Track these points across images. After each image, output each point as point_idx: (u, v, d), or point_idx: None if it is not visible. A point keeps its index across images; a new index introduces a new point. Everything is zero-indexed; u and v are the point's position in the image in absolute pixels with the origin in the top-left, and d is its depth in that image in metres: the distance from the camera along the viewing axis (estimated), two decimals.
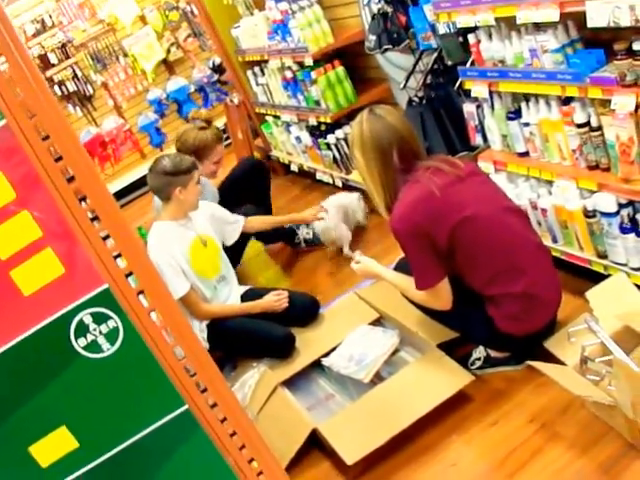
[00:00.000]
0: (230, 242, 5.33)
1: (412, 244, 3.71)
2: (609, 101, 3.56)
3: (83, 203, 1.86)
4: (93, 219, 1.87)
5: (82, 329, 1.90)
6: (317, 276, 5.89)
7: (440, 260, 3.70)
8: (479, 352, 4.09)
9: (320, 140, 6.83)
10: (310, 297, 5.04)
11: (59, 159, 1.84)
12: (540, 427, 3.63)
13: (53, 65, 10.34)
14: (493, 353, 4.04)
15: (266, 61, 7.38)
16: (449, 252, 3.66)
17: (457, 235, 3.62)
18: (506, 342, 3.87)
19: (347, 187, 6.73)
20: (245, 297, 5.04)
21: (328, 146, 6.72)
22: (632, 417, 3.13)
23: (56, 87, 10.40)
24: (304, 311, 4.93)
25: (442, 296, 3.81)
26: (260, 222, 5.69)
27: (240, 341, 4.77)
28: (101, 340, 1.92)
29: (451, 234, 3.60)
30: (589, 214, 3.96)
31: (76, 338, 1.90)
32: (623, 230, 3.80)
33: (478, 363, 4.08)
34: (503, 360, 4.02)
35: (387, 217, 3.84)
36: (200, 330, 4.73)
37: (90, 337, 1.91)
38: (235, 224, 5.36)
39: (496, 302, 3.72)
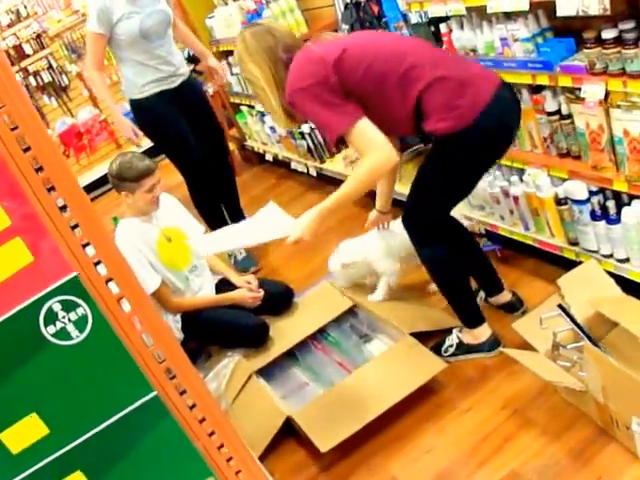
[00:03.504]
0: None
1: (309, 101, 3.54)
2: (579, 89, 3.59)
3: (52, 193, 1.88)
4: (62, 208, 1.88)
5: (51, 317, 1.90)
6: (290, 266, 5.90)
7: (348, 104, 3.53)
8: (452, 339, 4.13)
9: (294, 129, 6.81)
10: (284, 285, 5.04)
11: (27, 149, 1.85)
12: (512, 413, 3.67)
13: (28, 56, 10.32)
14: (465, 339, 4.08)
15: None
16: (352, 95, 3.53)
17: (342, 68, 3.50)
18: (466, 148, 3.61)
19: (321, 176, 6.74)
20: (219, 286, 5.04)
21: (302, 135, 6.72)
22: (603, 402, 3.17)
23: (31, 78, 10.38)
24: (278, 300, 4.93)
25: (373, 137, 3.49)
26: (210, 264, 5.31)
27: (214, 331, 4.76)
28: (70, 328, 1.92)
29: (336, 69, 3.48)
30: (560, 202, 4.00)
31: (45, 326, 1.91)
32: (594, 217, 3.83)
33: (451, 350, 4.11)
34: (476, 347, 4.05)
35: (287, 122, 3.81)
36: (174, 320, 4.72)
37: (59, 325, 1.92)
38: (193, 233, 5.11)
39: (424, 113, 3.53)
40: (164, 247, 4.75)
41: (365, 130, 3.47)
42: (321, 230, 3.66)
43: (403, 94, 3.49)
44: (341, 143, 3.68)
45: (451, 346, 4.12)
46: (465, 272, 4.09)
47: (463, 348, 4.11)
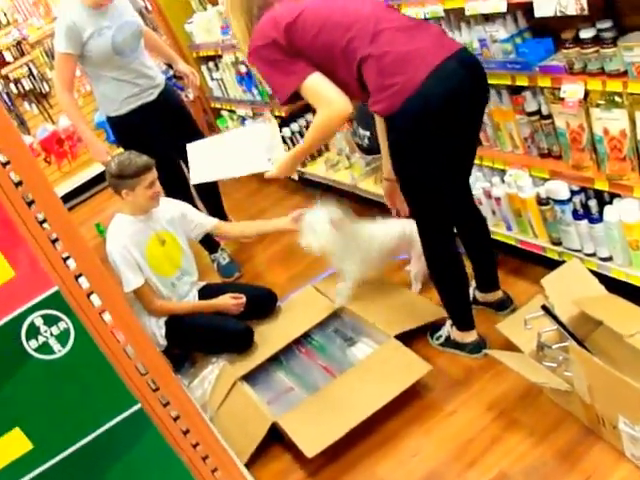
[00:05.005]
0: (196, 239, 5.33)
1: (260, 61, 3.59)
2: (559, 89, 3.60)
3: (31, 207, 1.86)
4: (41, 222, 1.87)
5: (33, 331, 1.89)
6: (273, 270, 5.89)
7: (298, 63, 3.52)
8: (444, 330, 4.19)
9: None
10: (267, 290, 5.01)
11: (6, 164, 1.84)
12: (499, 415, 3.67)
13: (8, 63, 10.24)
14: (453, 335, 4.11)
15: (220, 56, 7.37)
16: (304, 56, 3.51)
17: (293, 32, 3.49)
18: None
19: (303, 180, 6.72)
20: (203, 292, 5.02)
21: (284, 139, 6.69)
22: (589, 402, 3.17)
23: (12, 85, 10.31)
24: (261, 304, 4.91)
25: (323, 91, 3.52)
26: (238, 230, 5.59)
27: (198, 337, 4.75)
28: (52, 342, 1.92)
29: (287, 33, 3.48)
30: (542, 202, 4.00)
31: (27, 340, 1.90)
32: (576, 217, 3.84)
33: (441, 340, 4.19)
34: (460, 345, 4.09)
35: None
36: (158, 327, 4.71)
37: (41, 339, 1.91)
38: (200, 227, 5.21)
39: (368, 89, 3.48)
40: (154, 251, 4.75)
41: (315, 85, 3.51)
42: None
43: (348, 66, 3.47)
44: (291, 102, 3.67)
45: (441, 336, 4.20)
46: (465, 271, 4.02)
47: (450, 342, 4.15)
